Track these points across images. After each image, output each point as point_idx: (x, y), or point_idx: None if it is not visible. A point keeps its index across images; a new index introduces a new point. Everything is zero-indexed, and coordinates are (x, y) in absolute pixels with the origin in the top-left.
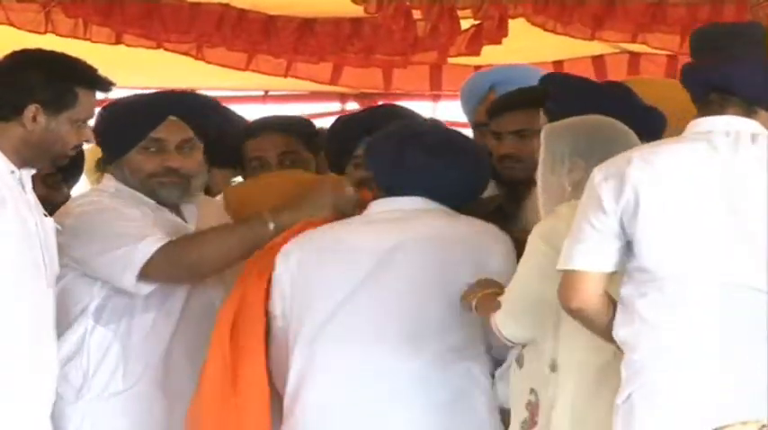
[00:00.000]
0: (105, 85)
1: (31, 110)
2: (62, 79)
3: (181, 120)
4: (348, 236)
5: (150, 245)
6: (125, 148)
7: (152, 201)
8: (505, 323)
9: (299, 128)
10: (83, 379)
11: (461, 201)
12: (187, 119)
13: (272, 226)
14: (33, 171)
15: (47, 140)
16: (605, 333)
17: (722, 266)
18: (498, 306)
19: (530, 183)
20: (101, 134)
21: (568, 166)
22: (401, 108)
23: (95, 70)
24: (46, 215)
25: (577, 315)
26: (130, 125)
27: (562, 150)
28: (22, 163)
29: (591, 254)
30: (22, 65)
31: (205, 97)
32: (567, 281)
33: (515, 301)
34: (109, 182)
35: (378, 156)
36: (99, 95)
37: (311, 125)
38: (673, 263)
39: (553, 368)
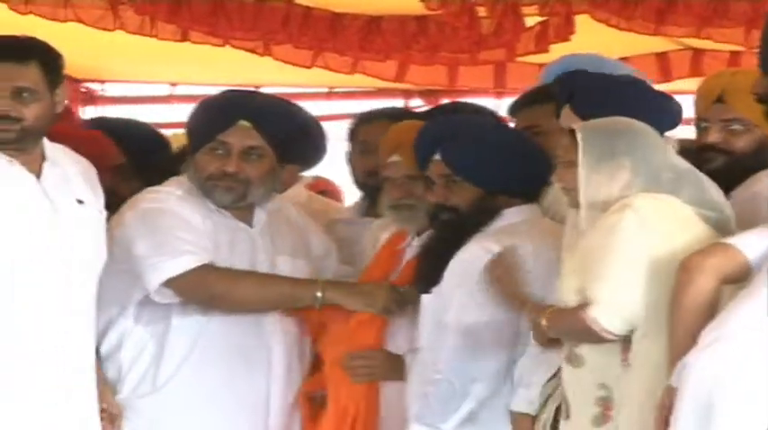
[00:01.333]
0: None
1: None
2: None
3: (251, 127)
4: None
5: (188, 262)
6: (196, 147)
7: (213, 205)
8: (609, 315)
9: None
10: (117, 377)
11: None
12: (257, 126)
13: (319, 295)
14: (56, 148)
15: None
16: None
17: None
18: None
19: None
20: (186, 130)
21: (614, 166)
22: (467, 105)
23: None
24: (81, 202)
25: (698, 285)
26: (202, 125)
27: (603, 150)
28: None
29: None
30: None
31: (280, 104)
32: (714, 250)
33: (617, 293)
34: (181, 182)
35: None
36: (165, 91)
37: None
38: None
39: (628, 363)
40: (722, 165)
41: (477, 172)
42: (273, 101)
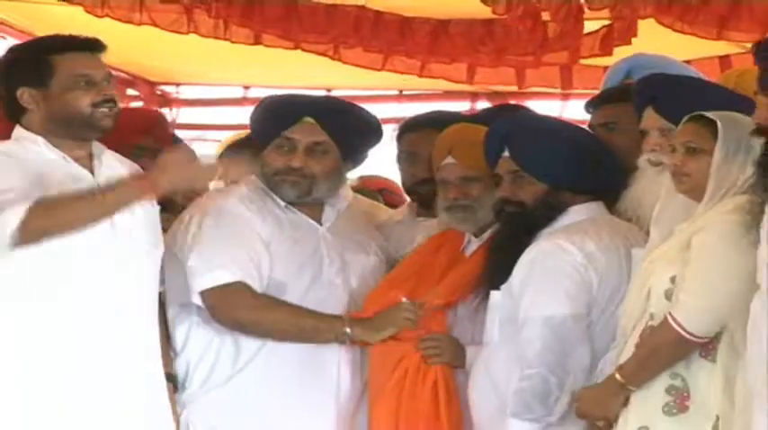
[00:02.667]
0: (81, 43)
1: (23, 94)
2: (31, 56)
3: (316, 123)
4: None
5: (219, 277)
6: (263, 144)
7: (281, 201)
8: (701, 320)
9: (451, 122)
10: (185, 371)
11: None
12: (322, 122)
13: (348, 331)
14: (104, 149)
15: (55, 111)
16: None
17: None
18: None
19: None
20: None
21: (741, 158)
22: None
23: (66, 35)
24: None
25: None
26: (268, 123)
27: (739, 141)
28: (70, 142)
29: None
30: (3, 63)
31: (341, 102)
32: None
33: (713, 297)
34: (249, 181)
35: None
36: (238, 93)
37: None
38: None
39: (712, 358)
40: None
41: (543, 168)
42: (334, 99)
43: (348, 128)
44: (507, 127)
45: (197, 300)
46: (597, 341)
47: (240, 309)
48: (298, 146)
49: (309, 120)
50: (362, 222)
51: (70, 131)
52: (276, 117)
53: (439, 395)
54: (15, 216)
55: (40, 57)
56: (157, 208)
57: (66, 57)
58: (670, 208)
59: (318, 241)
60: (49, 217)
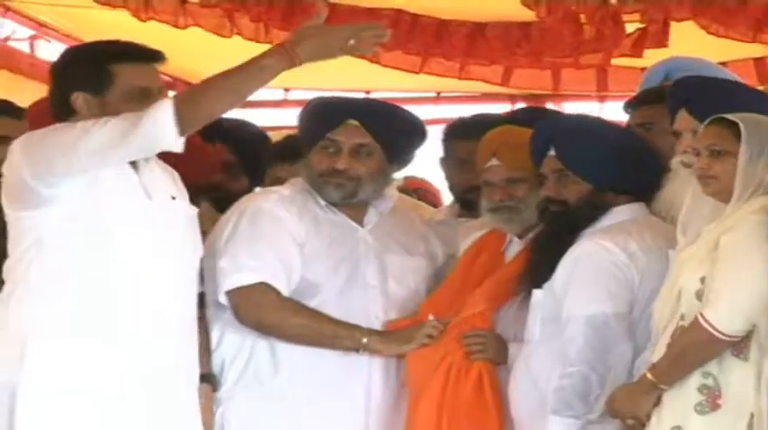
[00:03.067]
0: (142, 54)
1: (77, 98)
2: (91, 62)
3: (360, 125)
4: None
5: (244, 278)
6: (308, 146)
7: (323, 202)
8: (732, 319)
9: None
10: (221, 368)
11: None
12: (366, 124)
13: (364, 341)
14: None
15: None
16: None
17: None
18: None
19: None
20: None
21: (766, 159)
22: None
23: (128, 44)
24: (173, 198)
25: None
26: (314, 124)
27: (762, 143)
28: None
29: None
30: (60, 64)
31: (385, 104)
32: None
33: (742, 297)
34: (293, 182)
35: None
36: (279, 95)
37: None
38: None
39: (745, 357)
40: None
41: (588, 167)
42: (378, 101)
43: (392, 129)
44: (553, 126)
45: (223, 299)
46: (638, 339)
47: (263, 311)
48: (342, 148)
49: (354, 122)
50: (410, 223)
51: None
52: (321, 119)
53: (485, 390)
54: (166, 117)
55: (100, 64)
56: (195, 210)
57: (126, 67)
58: (697, 210)
59: (357, 242)
60: (195, 105)
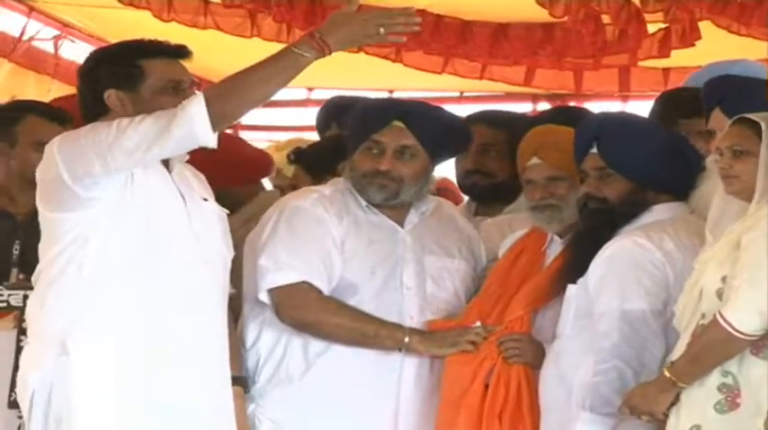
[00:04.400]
0: (170, 49)
1: (110, 95)
2: (121, 59)
3: (404, 127)
4: None
5: (286, 277)
6: (353, 147)
7: (364, 202)
8: (751, 318)
9: (509, 122)
10: (255, 366)
11: None
12: (410, 125)
13: (406, 340)
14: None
15: (143, 114)
16: None
17: None
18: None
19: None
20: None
21: None
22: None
23: (155, 41)
24: (206, 199)
25: None
26: (358, 126)
27: None
28: None
29: None
30: (90, 64)
31: (429, 106)
32: None
33: (761, 296)
34: (335, 182)
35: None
36: (302, 95)
37: (524, 122)
38: None
39: (758, 352)
40: None
41: (630, 165)
42: (423, 104)
43: (436, 131)
44: (597, 124)
45: (264, 297)
46: (669, 338)
47: (304, 310)
48: (386, 149)
49: (398, 123)
50: (452, 225)
51: None
52: (366, 120)
53: (522, 396)
54: (200, 111)
55: (131, 60)
56: (225, 212)
57: (156, 62)
58: (725, 209)
59: (396, 244)
60: (226, 98)
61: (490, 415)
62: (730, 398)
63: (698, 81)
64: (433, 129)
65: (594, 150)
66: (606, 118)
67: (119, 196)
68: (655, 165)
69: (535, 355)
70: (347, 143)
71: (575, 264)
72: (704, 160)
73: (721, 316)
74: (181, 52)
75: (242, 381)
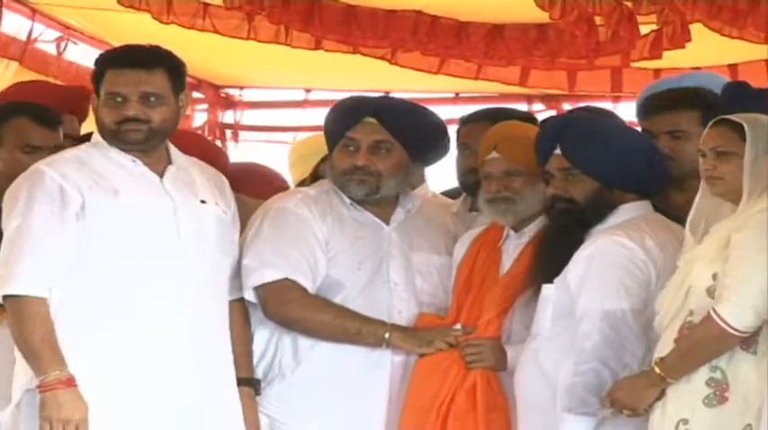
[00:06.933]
0: (124, 58)
1: (93, 100)
2: (97, 66)
3: (376, 122)
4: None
5: (269, 274)
6: (331, 147)
7: (347, 200)
8: (744, 315)
9: (506, 118)
10: (255, 361)
11: None
12: (382, 121)
13: (387, 336)
14: (183, 157)
15: (97, 122)
16: None
17: None
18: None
19: (684, 180)
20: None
21: None
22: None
23: (118, 50)
24: (204, 202)
25: None
26: (333, 125)
27: (766, 142)
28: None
29: None
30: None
31: (402, 102)
32: None
33: (754, 292)
34: (321, 183)
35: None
36: (300, 96)
37: (521, 117)
38: None
39: (753, 351)
40: None
41: (595, 165)
42: (396, 100)
43: (409, 126)
44: (560, 124)
45: (250, 296)
46: (650, 336)
47: (289, 307)
48: (361, 145)
49: (371, 119)
50: (440, 221)
51: (115, 142)
52: (340, 119)
53: (477, 401)
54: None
55: (101, 68)
56: (230, 215)
57: (111, 72)
58: (705, 210)
59: (381, 240)
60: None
61: (444, 415)
62: (719, 393)
63: (649, 93)
64: (404, 122)
65: (558, 151)
66: (568, 119)
67: (104, 209)
68: (619, 164)
69: (497, 359)
70: (326, 142)
71: (546, 264)
72: (668, 160)
73: (715, 312)
74: (136, 61)
75: (253, 383)
